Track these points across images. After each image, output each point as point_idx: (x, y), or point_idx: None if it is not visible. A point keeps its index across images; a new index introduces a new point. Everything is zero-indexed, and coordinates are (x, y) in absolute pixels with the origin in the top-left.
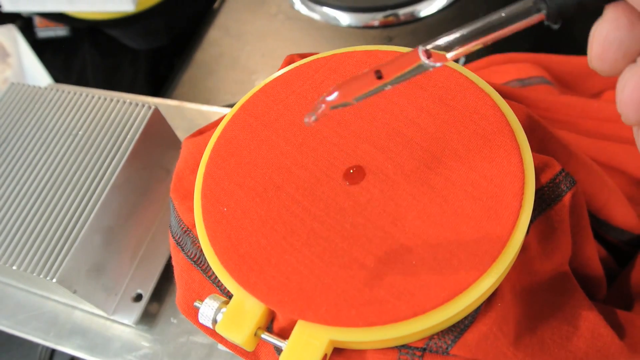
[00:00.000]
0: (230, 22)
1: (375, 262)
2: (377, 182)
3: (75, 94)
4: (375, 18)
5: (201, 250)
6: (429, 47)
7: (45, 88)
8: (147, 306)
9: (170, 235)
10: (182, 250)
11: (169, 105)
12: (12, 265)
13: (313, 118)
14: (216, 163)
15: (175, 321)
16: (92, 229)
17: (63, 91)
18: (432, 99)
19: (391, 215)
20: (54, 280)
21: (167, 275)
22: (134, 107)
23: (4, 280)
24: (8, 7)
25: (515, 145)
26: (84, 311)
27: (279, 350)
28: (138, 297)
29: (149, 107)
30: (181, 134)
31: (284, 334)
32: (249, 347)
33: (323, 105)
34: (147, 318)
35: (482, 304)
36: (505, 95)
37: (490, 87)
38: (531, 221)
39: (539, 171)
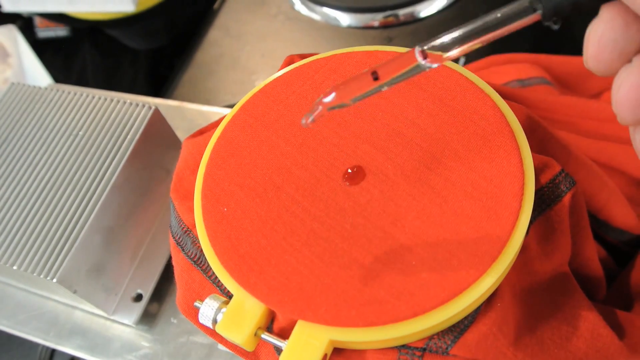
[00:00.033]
0: (231, 23)
1: (375, 262)
2: (377, 183)
3: (75, 94)
4: (375, 18)
5: (201, 250)
6: (425, 47)
7: (46, 88)
8: (147, 306)
9: (171, 235)
10: (182, 250)
11: (169, 106)
12: (12, 265)
13: (310, 119)
14: (216, 163)
15: (175, 321)
16: (92, 229)
17: (63, 91)
18: (432, 100)
19: (391, 215)
20: (54, 280)
21: (167, 275)
22: (134, 108)
23: (4, 280)
24: (8, 7)
25: (515, 146)
26: (84, 311)
27: (279, 350)
28: (138, 297)
29: (149, 108)
30: (181, 134)
31: (284, 334)
32: (249, 347)
33: (320, 107)
34: (147, 318)
35: (481, 304)
36: (505, 95)
37: (490, 88)
38: (531, 221)
39: (538, 172)
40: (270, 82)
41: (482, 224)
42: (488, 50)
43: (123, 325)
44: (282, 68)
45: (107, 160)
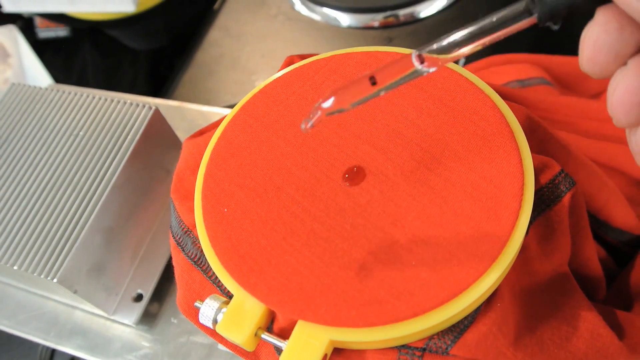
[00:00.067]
0: (231, 23)
1: (375, 262)
2: (377, 183)
3: (75, 94)
4: (375, 19)
5: (201, 250)
6: (422, 52)
7: (46, 88)
8: (148, 306)
9: (171, 235)
10: (183, 250)
11: (169, 106)
12: (12, 265)
13: (309, 124)
14: (216, 164)
15: (175, 321)
16: (92, 229)
17: (63, 92)
18: (431, 100)
19: (391, 216)
20: (55, 280)
21: (167, 276)
22: (135, 108)
23: (4, 280)
24: (9, 8)
25: (515, 146)
26: (85, 311)
27: (279, 350)
28: (138, 297)
29: (150, 108)
30: (181, 135)
31: (284, 334)
32: (249, 347)
33: (319, 112)
34: (148, 318)
35: (481, 305)
36: (504, 96)
37: (490, 88)
38: (530, 222)
39: (538, 172)
40: (270, 82)
41: (482, 224)
42: (488, 50)
43: (123, 325)
44: (282, 69)
45: (107, 161)
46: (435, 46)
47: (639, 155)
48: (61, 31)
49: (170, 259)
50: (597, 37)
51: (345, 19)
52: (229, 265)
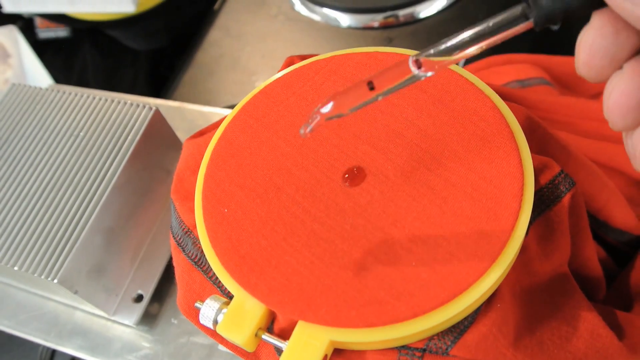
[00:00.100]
0: (231, 23)
1: (375, 263)
2: (377, 184)
3: (76, 94)
4: (375, 19)
5: (202, 251)
6: (419, 57)
7: (46, 89)
8: (148, 307)
9: (171, 236)
10: (183, 251)
11: (169, 106)
12: (13, 265)
13: (308, 129)
14: (217, 164)
15: (175, 322)
16: (93, 230)
17: (64, 92)
18: (431, 101)
19: (391, 216)
20: (55, 280)
21: (167, 276)
22: (135, 108)
23: (5, 280)
24: (9, 8)
25: (515, 147)
26: (85, 312)
27: (279, 350)
28: (139, 298)
29: (150, 108)
30: (182, 135)
31: (285, 335)
32: (250, 348)
33: (318, 117)
34: (148, 319)
35: (481, 305)
36: (504, 96)
37: (490, 89)
38: (530, 222)
39: (538, 172)
40: (271, 83)
41: (482, 224)
42: (487, 51)
43: (124, 326)
44: (282, 69)
45: (107, 161)
46: (432, 51)
47: (635, 159)
48: (61, 31)
49: (170, 260)
50: (592, 41)
51: (345, 20)
52: (229, 266)
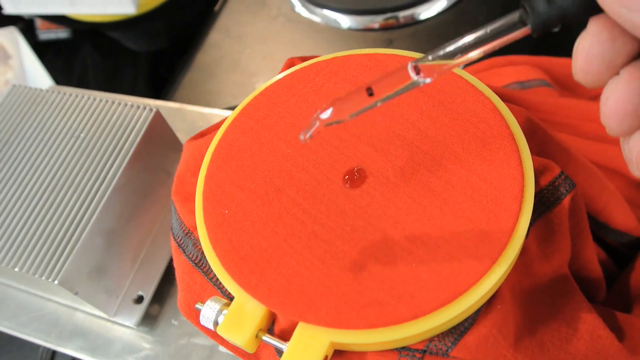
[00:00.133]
0: (231, 25)
1: (376, 264)
2: (377, 185)
3: (76, 96)
4: (376, 21)
5: (202, 252)
6: (418, 63)
7: (47, 90)
8: (148, 308)
9: (172, 237)
10: (184, 252)
11: (170, 108)
12: (14, 267)
13: (308, 135)
14: (217, 165)
15: (176, 323)
16: (93, 231)
17: (64, 93)
18: (432, 102)
19: (391, 217)
20: (56, 282)
21: (168, 277)
22: (135, 110)
23: (5, 281)
24: (9, 9)
25: (515, 148)
26: (85, 313)
27: (280, 352)
28: (139, 299)
29: (150, 110)
30: (182, 137)
31: (285, 336)
32: (250, 349)
33: (318, 122)
34: (148, 320)
35: (482, 306)
36: (505, 98)
37: (490, 90)
38: (531, 224)
39: (538, 174)
40: (271, 84)
41: (482, 226)
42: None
43: (124, 327)
44: (282, 71)
45: (108, 162)
46: (430, 57)
47: (632, 163)
48: (62, 33)
49: (171, 261)
50: (589, 47)
51: (345, 21)
52: (229, 267)
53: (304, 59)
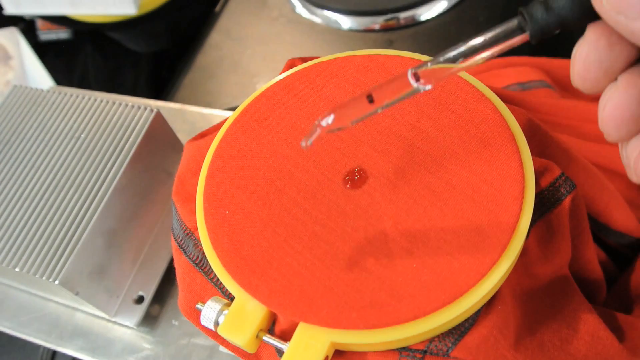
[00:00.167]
0: (232, 26)
1: (376, 264)
2: (378, 186)
3: (77, 96)
4: (376, 22)
5: (203, 252)
6: (418, 70)
7: (48, 91)
8: (149, 308)
9: (172, 237)
10: (184, 252)
11: (170, 108)
12: (14, 267)
13: (309, 142)
14: (218, 166)
15: (176, 323)
16: (94, 232)
17: (65, 94)
18: (432, 103)
19: (392, 218)
20: (57, 282)
21: (168, 278)
22: (136, 110)
23: (6, 281)
24: (10, 10)
25: (516, 149)
26: (86, 313)
27: (280, 352)
28: (140, 299)
29: (151, 110)
30: (183, 137)
31: (286, 336)
32: (251, 349)
33: (319, 129)
34: (149, 320)
35: (482, 307)
36: (505, 99)
37: (491, 91)
38: (531, 225)
39: (539, 175)
40: (272, 85)
41: (483, 227)
42: None
43: (124, 327)
44: (283, 71)
45: (109, 163)
46: (430, 65)
47: (629, 168)
48: (62, 33)
49: (171, 261)
50: (587, 54)
51: (346, 22)
52: (230, 267)
53: (304, 59)
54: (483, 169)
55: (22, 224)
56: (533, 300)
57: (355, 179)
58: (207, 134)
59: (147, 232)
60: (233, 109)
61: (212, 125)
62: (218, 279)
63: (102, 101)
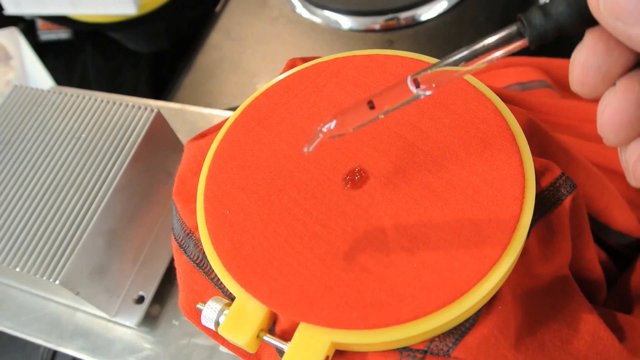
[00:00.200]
0: (232, 26)
1: (377, 264)
2: (378, 186)
3: (77, 96)
4: (377, 22)
5: (204, 252)
6: (417, 76)
7: (48, 91)
8: (149, 308)
9: (173, 237)
10: (185, 252)
11: (171, 108)
12: (15, 267)
13: (311, 148)
14: (219, 166)
15: (177, 323)
16: (94, 232)
17: (65, 94)
18: (433, 103)
19: (392, 218)
20: (57, 282)
21: (169, 278)
22: (137, 110)
23: (6, 281)
24: (10, 10)
25: (516, 149)
26: (86, 313)
27: (281, 352)
28: (140, 299)
29: (152, 110)
30: (183, 137)
31: (286, 336)
32: (251, 349)
33: (321, 135)
34: (149, 320)
35: (483, 307)
36: (505, 99)
37: (491, 91)
38: (531, 225)
39: (539, 175)
40: (272, 85)
41: (483, 227)
42: None
43: (125, 327)
44: (284, 71)
45: (109, 163)
46: (430, 71)
47: (628, 172)
48: (63, 33)
49: (172, 261)
50: (585, 59)
51: (346, 22)
52: (231, 267)
53: (305, 59)
54: (483, 169)
55: (23, 224)
56: (533, 300)
57: (356, 179)
58: (207, 134)
59: (148, 232)
60: (233, 109)
61: (213, 125)
62: (218, 279)
63: (102, 101)
